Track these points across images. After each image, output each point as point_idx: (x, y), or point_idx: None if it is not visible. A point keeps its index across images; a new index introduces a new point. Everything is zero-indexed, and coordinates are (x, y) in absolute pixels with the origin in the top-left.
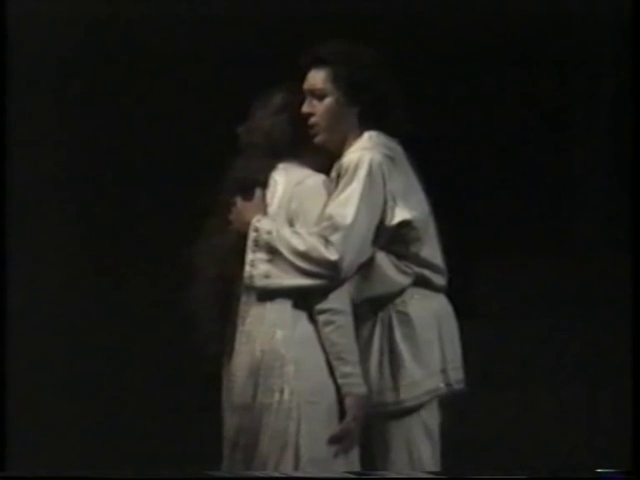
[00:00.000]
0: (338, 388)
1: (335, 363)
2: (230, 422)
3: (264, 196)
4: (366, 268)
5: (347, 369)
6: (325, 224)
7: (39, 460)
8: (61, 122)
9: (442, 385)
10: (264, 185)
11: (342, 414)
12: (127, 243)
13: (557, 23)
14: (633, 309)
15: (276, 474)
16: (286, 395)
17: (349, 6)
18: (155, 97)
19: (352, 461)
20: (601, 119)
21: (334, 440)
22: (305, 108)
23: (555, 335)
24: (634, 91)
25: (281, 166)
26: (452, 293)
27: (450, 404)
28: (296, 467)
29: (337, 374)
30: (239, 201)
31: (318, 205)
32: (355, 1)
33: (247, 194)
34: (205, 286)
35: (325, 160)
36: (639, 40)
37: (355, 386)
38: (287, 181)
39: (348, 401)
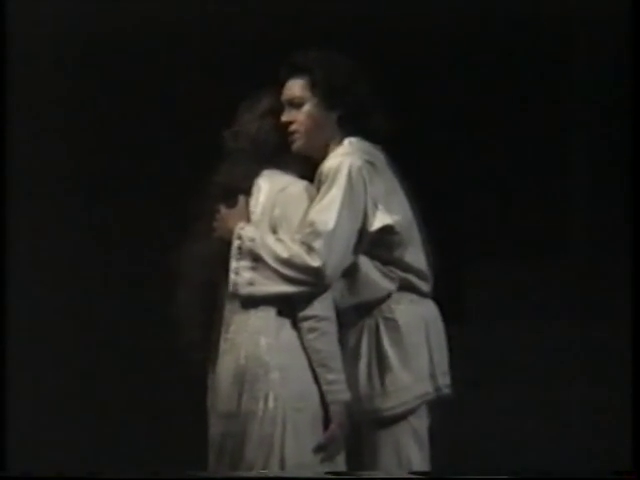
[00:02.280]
0: (323, 395)
1: (319, 370)
2: (215, 429)
3: (247, 203)
4: (351, 274)
5: (331, 376)
6: (307, 231)
7: (39, 460)
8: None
9: (431, 390)
10: (247, 192)
11: (327, 420)
12: (113, 249)
13: (545, 22)
14: (632, 310)
15: (262, 474)
16: (271, 402)
17: (331, 12)
18: (142, 101)
19: (338, 467)
20: (595, 119)
21: (320, 448)
22: (284, 117)
23: (547, 337)
24: (634, 92)
25: (264, 173)
26: (440, 297)
27: (439, 408)
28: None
29: (321, 381)
30: (223, 208)
31: (301, 212)
32: (336, 7)
33: (231, 201)
34: (190, 293)
35: (308, 166)
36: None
37: (339, 393)
38: (270, 188)
39: (333, 408)
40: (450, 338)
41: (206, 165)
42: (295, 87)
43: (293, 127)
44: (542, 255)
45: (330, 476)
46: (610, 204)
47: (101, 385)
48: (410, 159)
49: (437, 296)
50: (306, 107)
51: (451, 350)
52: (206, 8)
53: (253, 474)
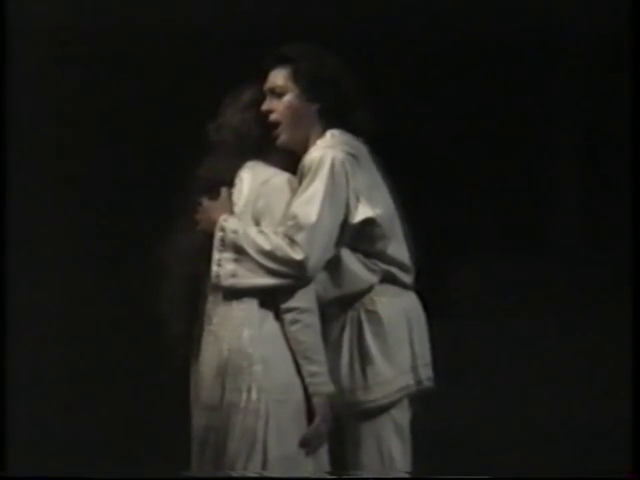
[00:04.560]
0: (306, 387)
1: (301, 362)
2: (198, 422)
3: (230, 195)
4: (334, 267)
5: (313, 368)
6: (290, 223)
7: (39, 460)
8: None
9: (413, 383)
10: (230, 184)
11: (310, 412)
12: (96, 243)
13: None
14: (633, 309)
15: (249, 474)
16: (254, 394)
17: (317, 7)
18: (124, 96)
19: (321, 460)
20: (584, 117)
21: (303, 440)
22: (265, 106)
23: (536, 334)
24: (633, 92)
25: (248, 164)
26: (422, 290)
27: (421, 401)
28: (264, 466)
29: (304, 373)
30: (206, 200)
31: (283, 204)
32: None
33: (214, 193)
34: (173, 285)
35: (291, 158)
36: (639, 41)
37: (322, 385)
38: (253, 180)
39: (316, 401)
40: (433, 331)
41: (189, 158)
42: (278, 76)
43: (273, 117)
44: (525, 251)
45: (328, 476)
46: (605, 200)
47: (97, 384)
48: (393, 152)
49: (420, 288)
50: (287, 97)
51: (434, 343)
52: (192, 3)
53: (251, 474)
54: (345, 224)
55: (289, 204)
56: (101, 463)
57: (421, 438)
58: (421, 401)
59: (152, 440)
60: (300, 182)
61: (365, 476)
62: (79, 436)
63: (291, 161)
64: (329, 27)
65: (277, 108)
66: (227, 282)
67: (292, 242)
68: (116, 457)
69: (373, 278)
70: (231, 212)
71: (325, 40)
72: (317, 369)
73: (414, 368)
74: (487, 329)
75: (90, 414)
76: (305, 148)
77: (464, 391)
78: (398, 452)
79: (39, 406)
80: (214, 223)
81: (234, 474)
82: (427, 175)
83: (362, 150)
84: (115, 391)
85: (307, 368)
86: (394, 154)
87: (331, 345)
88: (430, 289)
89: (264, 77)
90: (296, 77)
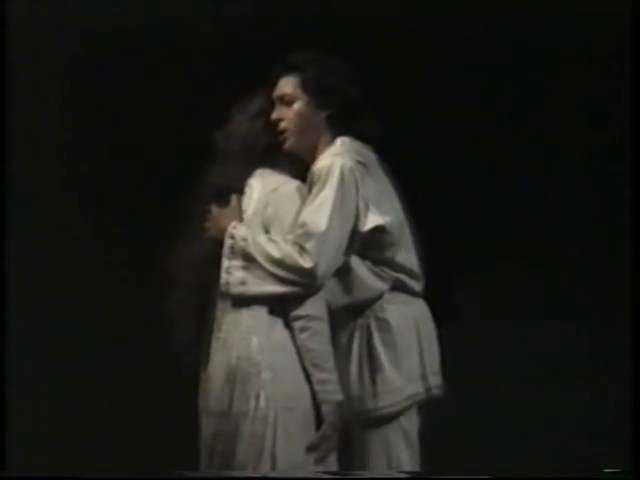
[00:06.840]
0: (314, 394)
1: (311, 370)
2: (207, 429)
3: (240, 202)
4: (343, 274)
5: (323, 376)
6: (299, 231)
7: (39, 460)
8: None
9: (422, 390)
10: (240, 191)
11: (319, 420)
12: (104, 251)
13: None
14: (632, 310)
15: (254, 475)
16: (262, 402)
17: (323, 13)
18: (133, 102)
19: (330, 467)
20: (584, 122)
21: (312, 447)
22: (274, 115)
23: (541, 337)
24: (633, 93)
25: (257, 172)
26: (431, 297)
27: (429, 409)
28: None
29: (313, 381)
30: (215, 208)
31: (293, 212)
32: (328, 9)
33: (223, 200)
34: (182, 293)
35: (301, 166)
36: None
37: (331, 393)
38: (263, 187)
39: (325, 408)
40: (442, 338)
41: (198, 166)
42: (287, 85)
43: (282, 125)
44: (536, 255)
45: (327, 476)
46: (605, 202)
47: (99, 386)
48: (402, 159)
49: (429, 296)
50: (296, 105)
51: (443, 350)
52: (200, 9)
53: (252, 474)
54: (354, 232)
55: (299, 212)
56: (101, 463)
57: (429, 443)
58: (430, 406)
59: (154, 441)
60: (310, 190)
61: None
62: (79, 436)
63: (300, 169)
64: (337, 33)
65: (286, 116)
66: (236, 290)
67: (302, 250)
68: (117, 458)
69: (382, 286)
70: (240, 219)
71: (333, 46)
72: (326, 377)
73: (423, 376)
74: (496, 335)
75: (90, 415)
76: (314, 155)
77: (473, 397)
78: (406, 459)
79: (39, 406)
80: (223, 231)
81: (237, 474)
82: (436, 182)
83: (371, 158)
84: (117, 393)
85: (316, 376)
86: (403, 161)
87: (340, 353)
88: (439, 296)
89: (272, 85)
90: (305, 85)
